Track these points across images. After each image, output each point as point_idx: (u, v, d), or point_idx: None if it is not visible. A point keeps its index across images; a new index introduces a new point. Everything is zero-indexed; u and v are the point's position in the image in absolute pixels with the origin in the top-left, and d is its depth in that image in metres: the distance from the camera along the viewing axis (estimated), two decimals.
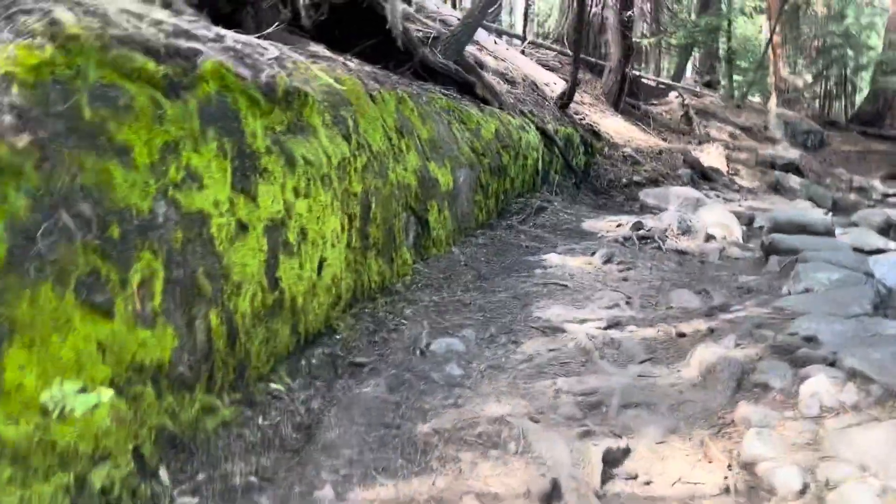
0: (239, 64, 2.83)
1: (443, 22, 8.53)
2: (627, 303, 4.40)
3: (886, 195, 15.33)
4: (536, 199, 7.34)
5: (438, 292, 4.46)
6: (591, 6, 13.53)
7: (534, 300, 4.39)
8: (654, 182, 10.00)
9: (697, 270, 5.51)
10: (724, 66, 23.89)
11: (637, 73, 13.53)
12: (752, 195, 10.81)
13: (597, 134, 10.30)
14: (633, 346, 3.61)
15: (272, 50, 3.30)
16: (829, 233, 5.99)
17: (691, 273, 5.39)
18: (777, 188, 11.88)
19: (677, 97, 14.24)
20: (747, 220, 8.61)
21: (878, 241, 6.57)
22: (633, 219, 7.06)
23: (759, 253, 6.21)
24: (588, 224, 6.78)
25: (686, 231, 6.95)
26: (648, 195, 9.30)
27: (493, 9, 9.68)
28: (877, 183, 15.65)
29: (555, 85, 10.53)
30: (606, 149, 10.32)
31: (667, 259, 5.82)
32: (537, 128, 8.38)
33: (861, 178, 15.97)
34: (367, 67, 5.10)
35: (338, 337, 3.39)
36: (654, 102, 13.98)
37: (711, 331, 3.75)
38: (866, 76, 22.31)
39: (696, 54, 22.86)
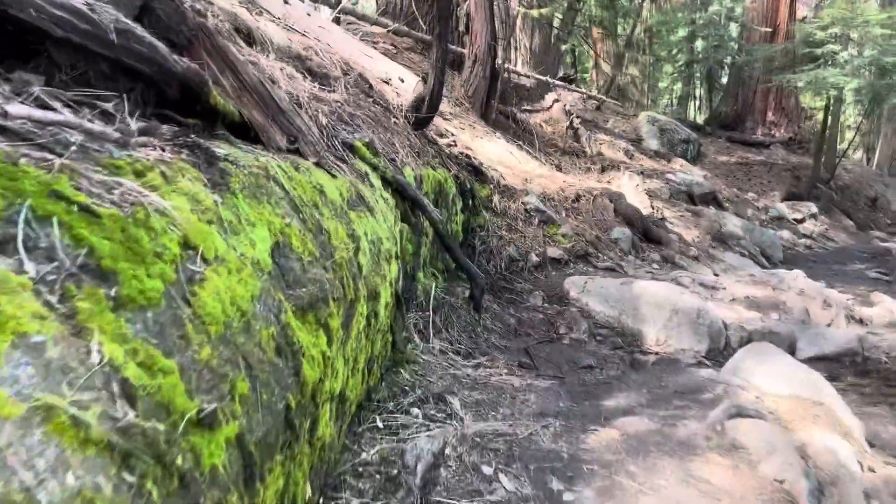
0: None
1: None
2: None
3: (797, 221, 12.51)
4: (401, 413, 2.61)
5: None
6: None
7: None
8: (584, 258, 5.69)
9: None
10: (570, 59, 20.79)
11: (505, 66, 9.17)
12: (712, 262, 6.85)
13: (479, 172, 5.77)
14: None
15: None
16: None
17: None
18: (721, 238, 8.12)
19: (556, 101, 10.12)
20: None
21: None
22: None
23: None
24: None
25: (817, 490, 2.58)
26: (589, 293, 4.94)
27: None
28: (782, 207, 12.77)
29: (402, 83, 5.83)
30: (496, 197, 5.82)
31: None
32: (386, 181, 3.69)
33: (765, 201, 13.04)
34: None
35: None
36: (528, 108, 9.76)
37: None
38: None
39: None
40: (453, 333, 3.71)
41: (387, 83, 5.60)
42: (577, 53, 22.89)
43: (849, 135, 24.19)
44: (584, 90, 13.78)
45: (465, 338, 3.76)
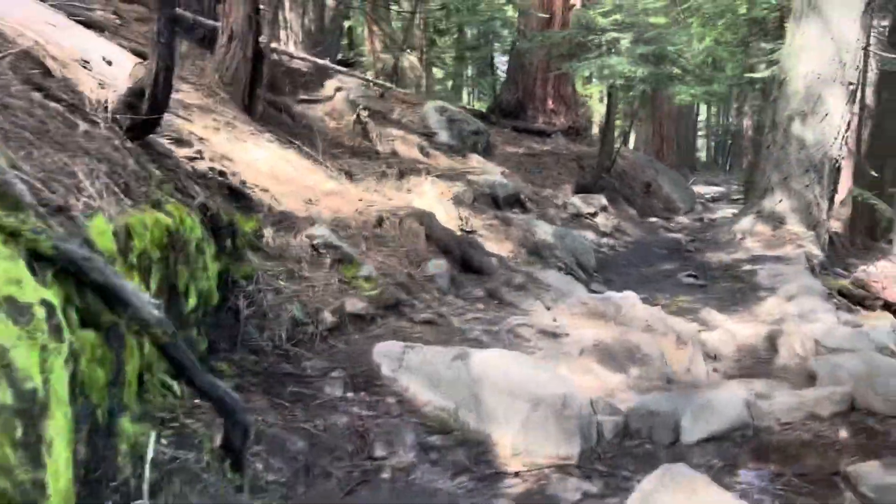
0: None
1: None
2: None
3: (591, 215, 12.15)
4: None
5: None
6: None
7: None
8: (395, 309, 4.23)
9: None
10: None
11: (273, 45, 7.36)
12: (539, 289, 5.74)
13: (242, 196, 4.04)
14: None
15: None
16: None
17: None
18: (536, 249, 7.10)
19: (339, 89, 8.50)
20: None
21: None
22: None
23: None
24: None
25: None
26: (410, 371, 3.52)
27: None
28: (576, 201, 12.37)
29: (110, 67, 3.86)
30: (269, 231, 4.13)
31: None
32: (41, 258, 1.88)
33: (561, 196, 12.56)
34: None
35: None
36: (307, 98, 8.05)
37: None
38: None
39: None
40: None
41: (84, 66, 3.63)
42: (353, 35, 21.37)
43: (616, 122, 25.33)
44: (368, 76, 12.31)
45: None
